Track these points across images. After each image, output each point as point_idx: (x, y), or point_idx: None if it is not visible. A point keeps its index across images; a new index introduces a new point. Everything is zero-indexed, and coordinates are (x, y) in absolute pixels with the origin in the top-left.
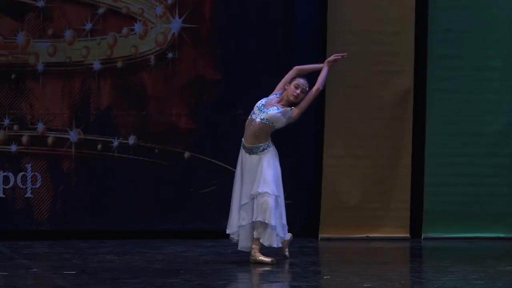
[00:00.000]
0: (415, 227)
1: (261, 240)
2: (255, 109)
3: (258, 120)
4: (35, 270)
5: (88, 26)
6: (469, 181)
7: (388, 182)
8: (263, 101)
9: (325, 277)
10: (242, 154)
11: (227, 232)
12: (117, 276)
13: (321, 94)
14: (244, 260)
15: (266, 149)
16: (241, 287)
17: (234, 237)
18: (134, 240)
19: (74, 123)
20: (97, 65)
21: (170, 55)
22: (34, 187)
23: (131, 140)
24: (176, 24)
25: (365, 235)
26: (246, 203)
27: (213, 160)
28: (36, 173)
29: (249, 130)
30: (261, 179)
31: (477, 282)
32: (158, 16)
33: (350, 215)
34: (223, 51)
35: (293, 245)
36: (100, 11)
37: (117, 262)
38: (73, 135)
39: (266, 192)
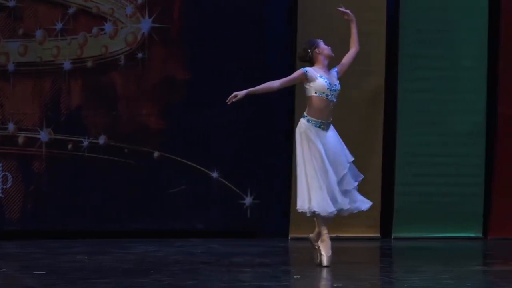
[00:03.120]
0: (386, 227)
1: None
2: (325, 90)
3: (335, 100)
4: (4, 270)
5: (59, 26)
6: (439, 181)
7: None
8: (326, 80)
9: (295, 277)
10: (319, 132)
11: (314, 210)
12: (87, 276)
13: (292, 93)
14: (214, 260)
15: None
16: (211, 286)
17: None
18: (105, 240)
19: (45, 123)
20: (67, 65)
21: (140, 55)
22: (4, 187)
23: (101, 140)
24: (146, 24)
25: (335, 235)
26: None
27: (183, 160)
28: (6, 173)
29: (326, 109)
30: (344, 151)
31: (447, 281)
32: (128, 16)
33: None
34: (193, 51)
35: (264, 245)
36: (71, 11)
37: (87, 262)
38: (44, 135)
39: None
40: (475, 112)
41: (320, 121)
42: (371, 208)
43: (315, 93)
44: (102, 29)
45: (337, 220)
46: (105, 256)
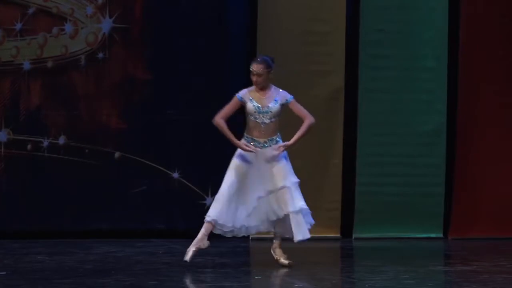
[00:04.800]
0: (346, 227)
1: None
2: (253, 113)
3: (267, 121)
4: None
5: (18, 26)
6: (400, 181)
7: (320, 182)
8: (254, 103)
9: (256, 277)
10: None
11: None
12: (49, 276)
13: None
14: (177, 260)
15: (278, 141)
16: (173, 287)
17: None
18: (65, 241)
19: (4, 123)
20: (27, 65)
21: (100, 55)
22: None
23: (62, 140)
24: (106, 24)
25: None
26: (262, 197)
27: (143, 160)
28: None
29: (257, 130)
30: (283, 172)
31: (408, 282)
32: (89, 16)
33: None
34: (154, 51)
35: (224, 246)
36: (30, 11)
37: (48, 262)
38: (3, 135)
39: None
40: (435, 112)
41: (251, 138)
42: (332, 208)
43: (247, 114)
44: (62, 29)
45: None
46: (66, 256)
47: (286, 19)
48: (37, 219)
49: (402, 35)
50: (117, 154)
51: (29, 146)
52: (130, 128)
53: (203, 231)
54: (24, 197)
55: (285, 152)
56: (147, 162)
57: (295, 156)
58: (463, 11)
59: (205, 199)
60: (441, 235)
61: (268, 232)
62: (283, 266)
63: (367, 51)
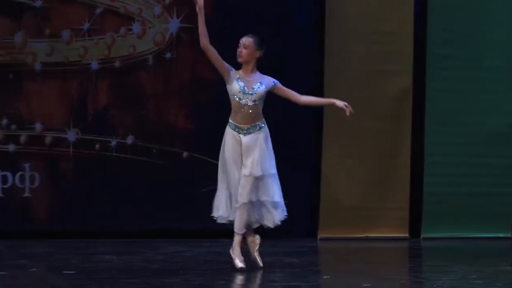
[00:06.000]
0: (414, 227)
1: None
2: (238, 93)
3: (250, 104)
4: (33, 270)
5: (86, 26)
6: (468, 181)
7: (387, 182)
8: (240, 83)
9: (324, 276)
10: (235, 136)
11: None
12: (116, 276)
13: (320, 93)
14: (244, 259)
15: (262, 127)
16: (241, 286)
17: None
18: (133, 240)
19: (72, 123)
20: (95, 65)
21: (168, 55)
22: (32, 186)
23: (129, 140)
24: (174, 24)
25: (364, 235)
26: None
27: (211, 160)
28: (34, 173)
29: (241, 113)
30: (264, 159)
31: (476, 281)
32: (156, 16)
33: (348, 215)
34: (221, 51)
35: (292, 245)
36: (98, 11)
37: (116, 262)
38: (71, 135)
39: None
40: (504, 112)
41: (234, 124)
42: (400, 208)
43: (230, 95)
44: (130, 29)
45: (366, 220)
46: (133, 256)
47: (353, 19)
48: (105, 219)
49: (470, 35)
50: (185, 154)
51: (97, 146)
52: (197, 128)
53: (235, 239)
54: (92, 197)
55: (268, 138)
56: (215, 162)
57: (363, 157)
58: None
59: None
60: (509, 235)
61: (337, 232)
62: (255, 262)
63: (434, 51)
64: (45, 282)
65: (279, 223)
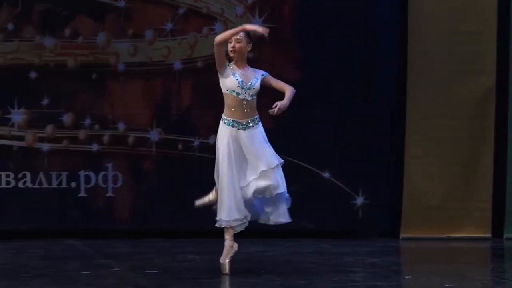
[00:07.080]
0: (497, 227)
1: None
2: (236, 88)
3: (249, 98)
4: (116, 269)
5: (169, 26)
6: None
7: (470, 182)
8: (238, 77)
9: (406, 276)
10: (232, 132)
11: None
12: (198, 275)
13: (403, 93)
14: (325, 260)
15: (259, 120)
16: (322, 286)
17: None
18: (216, 240)
19: (155, 123)
20: (178, 65)
21: (250, 54)
22: (115, 186)
23: (212, 140)
24: (256, 23)
25: (446, 235)
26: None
27: (293, 160)
28: (117, 173)
29: (239, 108)
30: (268, 152)
31: None
32: (238, 16)
33: (431, 215)
34: (303, 51)
35: (374, 246)
36: (181, 11)
37: (199, 261)
38: (154, 135)
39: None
40: None
41: (232, 119)
42: (482, 208)
43: (227, 90)
44: (212, 29)
45: (448, 220)
46: (216, 256)
47: (436, 19)
48: (187, 219)
49: None
50: None
51: (180, 146)
52: (277, 128)
53: (227, 239)
54: (175, 197)
55: (264, 133)
56: (297, 161)
57: (446, 156)
58: None
59: (355, 199)
60: None
61: (419, 232)
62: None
63: None
64: (128, 282)
65: (288, 218)
